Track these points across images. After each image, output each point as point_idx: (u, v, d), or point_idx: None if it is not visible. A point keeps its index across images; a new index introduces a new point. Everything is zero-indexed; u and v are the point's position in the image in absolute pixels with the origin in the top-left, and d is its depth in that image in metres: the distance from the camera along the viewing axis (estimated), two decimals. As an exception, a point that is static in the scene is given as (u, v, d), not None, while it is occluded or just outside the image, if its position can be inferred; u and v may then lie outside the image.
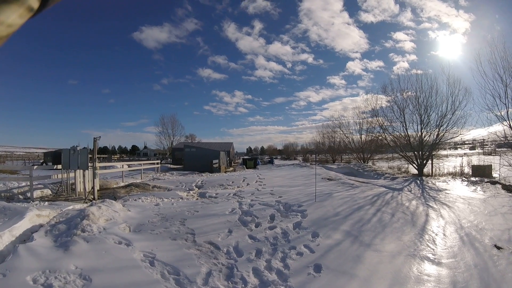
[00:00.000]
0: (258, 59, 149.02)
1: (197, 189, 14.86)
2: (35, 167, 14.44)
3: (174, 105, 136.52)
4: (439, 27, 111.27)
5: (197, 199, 11.79)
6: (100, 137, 12.46)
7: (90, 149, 12.59)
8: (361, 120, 35.68)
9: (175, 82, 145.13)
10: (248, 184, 15.92)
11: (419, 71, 22.11)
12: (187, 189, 14.79)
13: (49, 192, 13.00)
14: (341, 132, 40.37)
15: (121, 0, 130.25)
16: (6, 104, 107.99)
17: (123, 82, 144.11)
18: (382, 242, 6.49)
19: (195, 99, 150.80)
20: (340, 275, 4.95)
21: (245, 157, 56.93)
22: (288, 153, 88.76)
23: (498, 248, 6.37)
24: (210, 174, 25.23)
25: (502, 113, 15.07)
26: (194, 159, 31.75)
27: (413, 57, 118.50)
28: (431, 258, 5.81)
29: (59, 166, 12.84)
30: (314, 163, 29.70)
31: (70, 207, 9.03)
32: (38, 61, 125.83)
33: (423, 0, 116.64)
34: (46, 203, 10.03)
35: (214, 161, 29.44)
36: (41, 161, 51.41)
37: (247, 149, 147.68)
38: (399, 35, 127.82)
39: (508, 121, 14.83)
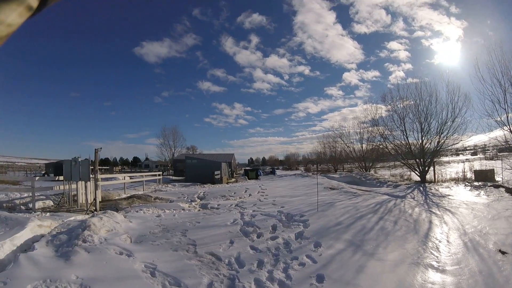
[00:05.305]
0: (256, 72, 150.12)
1: (199, 200, 14.81)
2: (37, 178, 14.45)
3: (175, 117, 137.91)
4: (432, 35, 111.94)
5: (199, 210, 11.74)
6: (101, 148, 12.52)
7: (91, 160, 12.61)
8: (361, 130, 35.88)
9: (175, 95, 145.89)
10: (250, 195, 15.88)
11: (415, 80, 22.30)
12: (189, 200, 14.75)
13: (51, 203, 13.00)
14: (342, 142, 40.66)
15: (122, 16, 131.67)
16: (8, 114, 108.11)
17: (124, 95, 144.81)
18: (384, 250, 6.44)
19: (195, 112, 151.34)
20: (343, 286, 4.90)
21: (247, 168, 56.85)
22: (289, 163, 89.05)
23: (503, 253, 6.30)
24: (212, 185, 25.22)
25: (502, 118, 15.08)
26: (195, 170, 31.69)
27: (408, 66, 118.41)
28: (435, 265, 5.75)
29: (61, 177, 12.84)
30: (316, 173, 29.63)
31: (72, 218, 9.02)
32: (41, 73, 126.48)
33: (414, 9, 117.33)
34: (48, 213, 10.04)
35: (216, 172, 29.37)
36: (43, 172, 51.53)
37: (248, 160, 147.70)
38: (393, 45, 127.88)
39: (508, 126, 14.83)
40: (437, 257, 6.17)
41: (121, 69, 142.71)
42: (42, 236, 7.08)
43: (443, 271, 5.52)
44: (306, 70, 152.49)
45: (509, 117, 14.81)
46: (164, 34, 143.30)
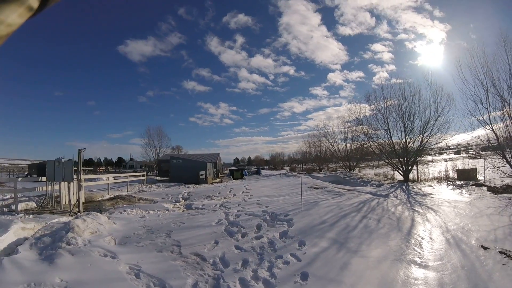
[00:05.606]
0: (241, 71, 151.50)
1: (183, 200, 14.73)
2: (20, 179, 14.21)
3: (159, 117, 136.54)
4: (416, 38, 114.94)
5: (184, 210, 11.68)
6: (85, 148, 12.37)
7: (75, 161, 12.44)
8: (346, 129, 36.16)
9: (160, 94, 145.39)
10: (234, 195, 15.87)
11: (399, 80, 22.67)
12: (173, 201, 14.65)
13: (34, 204, 12.77)
14: (327, 141, 40.87)
15: (106, 13, 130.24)
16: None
17: (108, 94, 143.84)
18: (368, 248, 6.53)
19: (180, 111, 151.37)
20: (327, 283, 4.95)
21: (232, 168, 56.70)
22: (275, 163, 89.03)
23: (485, 248, 6.43)
24: (197, 185, 25.09)
25: (484, 117, 15.39)
26: (180, 170, 31.39)
27: (392, 67, 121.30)
28: (418, 261, 5.85)
29: (44, 178, 12.63)
30: (300, 172, 29.76)
31: (55, 220, 8.88)
32: (23, 72, 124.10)
33: (398, 13, 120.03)
34: (31, 215, 9.85)
35: (201, 173, 29.23)
36: (26, 173, 50.72)
37: (234, 159, 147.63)
38: (377, 47, 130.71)
39: (490, 125, 15.17)
40: (419, 253, 6.28)
41: (105, 68, 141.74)
42: (26, 239, 6.96)
43: (425, 267, 5.62)
44: (291, 70, 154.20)
45: (491, 116, 15.15)
46: (148, 32, 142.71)
